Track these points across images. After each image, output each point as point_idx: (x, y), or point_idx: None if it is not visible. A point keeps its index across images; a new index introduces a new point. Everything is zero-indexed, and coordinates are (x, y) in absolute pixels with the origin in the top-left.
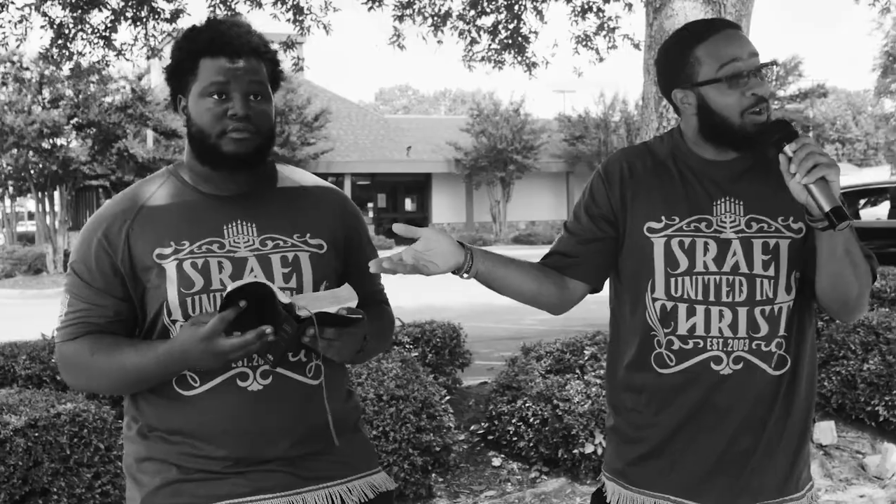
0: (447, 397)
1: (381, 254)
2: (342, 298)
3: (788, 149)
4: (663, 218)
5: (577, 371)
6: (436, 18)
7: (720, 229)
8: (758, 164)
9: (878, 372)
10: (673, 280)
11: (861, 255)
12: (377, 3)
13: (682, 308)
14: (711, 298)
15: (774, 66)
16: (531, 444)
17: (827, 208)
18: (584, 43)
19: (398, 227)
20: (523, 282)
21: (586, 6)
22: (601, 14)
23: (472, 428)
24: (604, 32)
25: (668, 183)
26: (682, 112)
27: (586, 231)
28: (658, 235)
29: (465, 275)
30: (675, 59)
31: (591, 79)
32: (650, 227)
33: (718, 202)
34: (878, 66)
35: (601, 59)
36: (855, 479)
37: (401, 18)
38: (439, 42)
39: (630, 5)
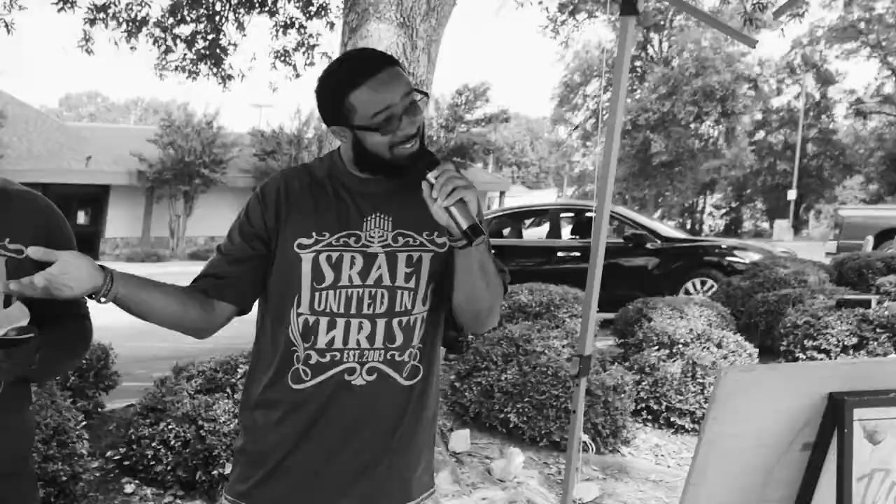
0: (84, 423)
1: None
2: (13, 318)
3: (430, 176)
4: (314, 234)
5: (228, 390)
6: (131, 24)
7: (368, 244)
8: (410, 183)
9: (514, 381)
10: (317, 294)
11: (495, 270)
12: (69, 5)
13: (324, 321)
14: (353, 311)
15: (427, 97)
16: (168, 468)
17: (465, 226)
18: (282, 58)
19: (33, 251)
20: (166, 305)
21: (289, 22)
22: (303, 30)
23: (107, 454)
24: (303, 49)
25: (321, 201)
26: (340, 141)
27: (238, 250)
28: (307, 251)
29: (103, 299)
30: (330, 102)
31: (290, 95)
32: (300, 243)
33: (369, 218)
34: (557, 95)
35: (298, 75)
36: (481, 483)
37: (92, 22)
38: (132, 48)
39: (332, 24)
